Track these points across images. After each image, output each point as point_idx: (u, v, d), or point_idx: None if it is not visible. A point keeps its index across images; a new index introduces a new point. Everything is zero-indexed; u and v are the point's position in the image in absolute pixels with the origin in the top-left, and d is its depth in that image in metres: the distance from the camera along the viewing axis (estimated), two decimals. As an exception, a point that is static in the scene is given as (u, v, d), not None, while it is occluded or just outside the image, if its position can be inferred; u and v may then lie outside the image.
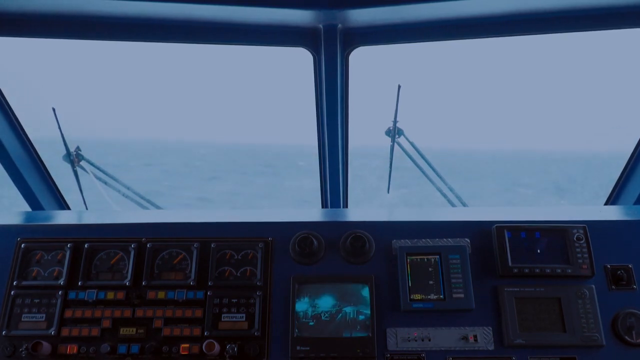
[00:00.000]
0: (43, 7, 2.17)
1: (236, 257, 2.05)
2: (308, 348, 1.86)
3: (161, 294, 1.97)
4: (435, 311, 1.90)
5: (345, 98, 2.56)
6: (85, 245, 2.04)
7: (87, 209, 3.24)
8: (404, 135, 3.29)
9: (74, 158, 3.14)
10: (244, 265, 2.03)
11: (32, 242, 2.06)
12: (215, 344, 1.84)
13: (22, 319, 1.95)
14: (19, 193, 2.88)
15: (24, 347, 1.88)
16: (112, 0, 2.08)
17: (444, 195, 3.38)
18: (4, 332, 1.92)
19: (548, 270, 1.92)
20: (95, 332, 1.90)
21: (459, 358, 1.85)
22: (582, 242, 1.96)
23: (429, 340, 1.88)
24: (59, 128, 2.98)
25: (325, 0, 2.06)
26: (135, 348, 1.88)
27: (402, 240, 2.04)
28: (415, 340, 1.88)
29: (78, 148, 3.15)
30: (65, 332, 1.91)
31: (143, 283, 1.98)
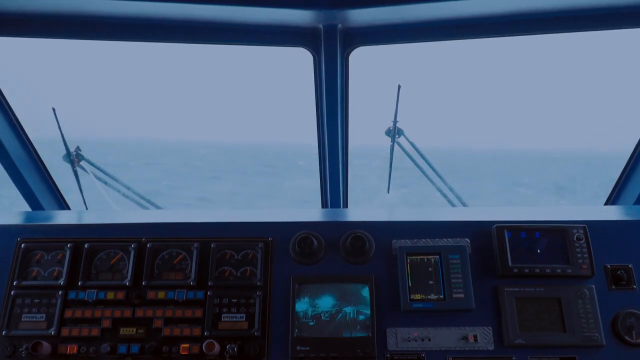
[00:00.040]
0: (43, 7, 2.17)
1: (236, 257, 2.05)
2: (308, 348, 1.86)
3: (161, 294, 1.96)
4: (435, 311, 1.90)
5: (345, 98, 2.56)
6: (85, 245, 2.04)
7: (87, 209, 3.24)
8: (404, 135, 3.29)
9: (74, 158, 3.14)
10: (244, 265, 2.03)
11: (32, 242, 2.06)
12: (215, 344, 1.84)
13: (22, 319, 1.94)
14: (19, 193, 2.88)
15: (24, 347, 1.88)
16: (112, 0, 2.08)
17: (444, 195, 3.38)
18: (4, 332, 1.92)
19: (548, 270, 1.92)
20: (95, 332, 1.90)
21: (459, 358, 1.85)
22: (582, 242, 1.96)
23: (429, 340, 1.88)
24: (59, 128, 2.98)
25: (325, 0, 2.06)
26: (135, 348, 1.88)
27: (402, 240, 2.04)
28: (415, 340, 1.88)
29: (78, 148, 3.15)
30: (65, 332, 1.91)
31: (143, 283, 1.98)
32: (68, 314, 1.93)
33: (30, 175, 2.82)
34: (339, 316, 1.90)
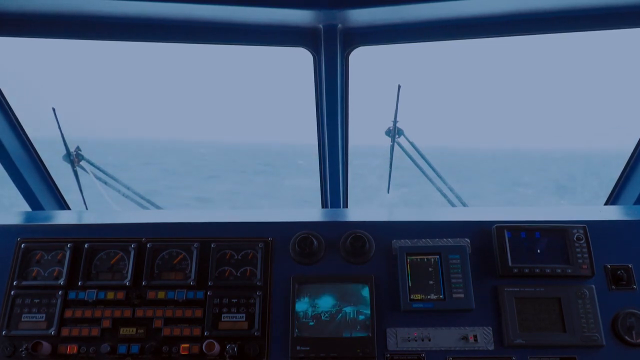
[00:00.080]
0: (43, 7, 2.17)
1: (236, 257, 2.05)
2: (308, 348, 1.86)
3: (161, 294, 1.96)
4: (435, 311, 1.90)
5: (345, 98, 2.56)
6: (85, 245, 2.04)
7: (87, 209, 3.24)
8: (404, 135, 3.29)
9: (74, 158, 3.14)
10: (244, 265, 2.03)
11: (32, 242, 2.06)
12: (215, 344, 1.84)
13: (22, 319, 1.94)
14: (19, 193, 2.88)
15: (24, 347, 1.88)
16: (112, 0, 2.08)
17: (444, 195, 3.38)
18: (4, 332, 1.92)
19: (548, 270, 1.92)
20: (95, 332, 1.90)
21: (459, 358, 1.85)
22: (582, 242, 1.96)
23: (429, 340, 1.88)
24: (59, 128, 2.98)
25: (325, 0, 2.06)
26: (135, 348, 1.88)
27: (402, 240, 2.04)
28: (415, 340, 1.88)
29: (78, 148, 3.15)
30: (65, 332, 1.91)
31: (143, 283, 1.98)
32: (68, 314, 1.93)
33: (30, 175, 2.82)
34: (339, 316, 1.90)
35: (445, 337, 1.88)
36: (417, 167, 3.36)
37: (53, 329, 1.91)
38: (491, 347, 1.86)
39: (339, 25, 2.23)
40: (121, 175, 3.46)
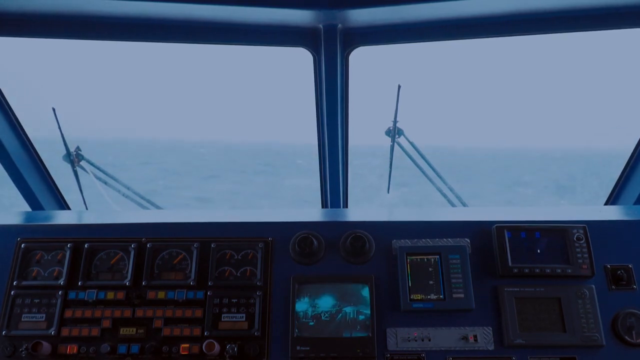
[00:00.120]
0: (43, 7, 2.17)
1: (236, 257, 2.05)
2: (308, 348, 1.86)
3: (161, 294, 1.96)
4: (435, 311, 1.90)
5: (345, 98, 2.56)
6: (85, 245, 2.04)
7: (87, 209, 3.24)
8: (404, 135, 3.29)
9: (74, 158, 3.14)
10: (244, 265, 2.03)
11: (32, 242, 2.06)
12: (215, 344, 1.84)
13: (22, 319, 1.94)
14: (19, 193, 2.88)
15: (24, 347, 1.88)
16: (112, 0, 2.08)
17: (444, 195, 3.38)
18: (4, 332, 1.92)
19: (548, 270, 1.92)
20: (95, 332, 1.90)
21: (459, 358, 1.85)
22: (582, 242, 1.96)
23: (429, 340, 1.88)
24: (59, 128, 2.98)
25: (325, 0, 2.06)
26: (135, 348, 1.88)
27: (402, 240, 2.04)
28: (415, 340, 1.88)
29: (78, 148, 3.15)
30: (65, 332, 1.91)
31: (143, 283, 1.98)
32: (68, 314, 1.93)
33: (30, 175, 2.82)
34: (339, 316, 1.90)
35: (445, 337, 1.88)
36: (417, 167, 3.36)
37: (53, 329, 1.91)
38: (491, 347, 1.86)
39: (339, 25, 2.23)
40: (120, 175, 3.46)
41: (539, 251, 1.97)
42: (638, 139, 2.66)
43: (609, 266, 1.97)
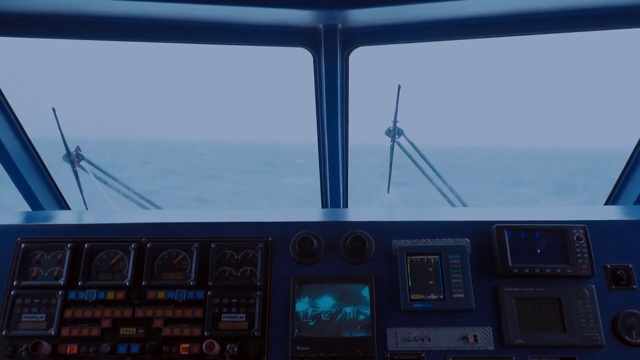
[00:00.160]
0: (43, 7, 2.17)
1: (236, 257, 2.05)
2: (308, 348, 1.86)
3: (161, 294, 1.96)
4: (435, 311, 1.90)
5: (345, 98, 2.56)
6: (85, 245, 2.04)
7: (87, 209, 3.24)
8: (404, 135, 3.29)
9: (74, 158, 3.14)
10: (244, 265, 2.03)
11: (32, 242, 2.06)
12: (215, 344, 1.84)
13: (22, 319, 1.94)
14: (19, 193, 2.88)
15: (24, 347, 1.88)
16: (112, 0, 2.08)
17: (444, 195, 3.38)
18: (4, 332, 1.92)
19: (548, 270, 1.92)
20: (95, 332, 1.90)
21: (459, 358, 1.85)
22: (582, 242, 1.96)
23: (429, 340, 1.88)
24: (59, 128, 2.98)
25: (325, 0, 2.06)
26: (135, 348, 1.88)
27: (402, 240, 2.04)
28: (415, 340, 1.88)
29: (78, 148, 3.15)
30: (65, 332, 1.91)
31: (143, 283, 1.98)
32: (68, 314, 1.93)
33: (30, 175, 2.82)
34: (339, 316, 1.90)
35: (445, 337, 1.88)
36: (417, 167, 3.36)
37: (53, 329, 1.91)
38: (491, 347, 1.86)
39: (339, 25, 2.23)
40: (120, 174, 3.46)
41: (539, 251, 1.97)
42: (638, 139, 2.66)
43: (609, 266, 1.97)
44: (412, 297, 1.91)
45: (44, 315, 1.95)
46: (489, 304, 1.93)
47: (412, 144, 3.32)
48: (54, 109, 2.93)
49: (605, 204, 3.01)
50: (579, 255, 1.94)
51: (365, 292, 1.94)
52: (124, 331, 1.91)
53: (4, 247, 2.05)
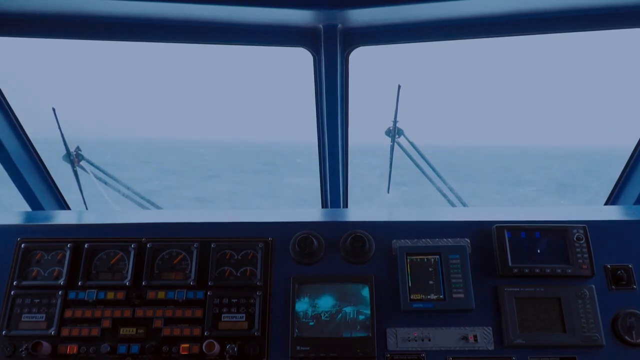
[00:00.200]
0: (43, 7, 2.17)
1: (236, 257, 2.05)
2: (308, 348, 1.86)
3: (161, 294, 1.96)
4: (435, 311, 1.90)
5: (345, 98, 2.56)
6: (85, 245, 2.04)
7: (87, 209, 3.24)
8: (404, 135, 3.29)
9: (74, 158, 3.14)
10: (244, 265, 2.03)
11: (32, 242, 2.06)
12: (215, 344, 1.84)
13: (22, 319, 1.94)
14: (19, 193, 2.88)
15: (24, 347, 1.88)
16: (112, 0, 2.08)
17: (444, 195, 3.38)
18: (4, 332, 1.92)
19: (548, 270, 1.92)
20: (95, 332, 1.90)
21: (459, 358, 1.85)
22: (582, 242, 1.96)
23: (429, 340, 1.88)
24: (59, 128, 2.98)
25: (325, 0, 2.06)
26: (135, 348, 1.88)
27: (402, 240, 2.04)
28: (415, 340, 1.88)
29: (78, 148, 3.15)
30: (65, 332, 1.91)
31: (143, 283, 1.98)
32: (68, 314, 1.93)
33: (30, 175, 2.82)
34: (339, 316, 1.90)
35: (445, 337, 1.88)
36: (417, 167, 3.36)
37: (53, 329, 1.91)
38: (491, 347, 1.86)
39: (339, 25, 2.23)
40: (120, 174, 3.46)
41: (539, 251, 1.97)
42: (638, 139, 2.66)
43: (609, 266, 1.97)
44: (412, 297, 1.91)
45: (44, 315, 1.95)
46: (489, 304, 1.93)
47: (412, 144, 3.32)
48: (54, 109, 2.93)
49: (605, 204, 3.01)
50: (579, 255, 1.94)
51: (365, 292, 1.94)
52: (124, 331, 1.91)
53: (4, 247, 2.05)
